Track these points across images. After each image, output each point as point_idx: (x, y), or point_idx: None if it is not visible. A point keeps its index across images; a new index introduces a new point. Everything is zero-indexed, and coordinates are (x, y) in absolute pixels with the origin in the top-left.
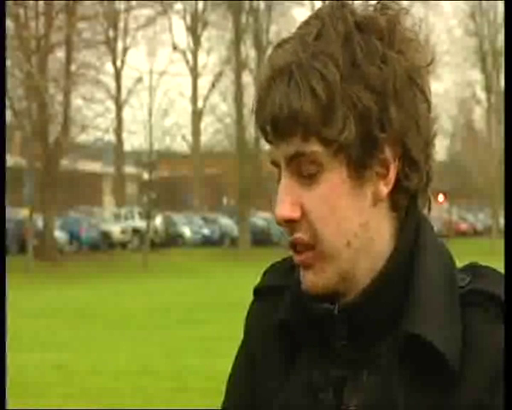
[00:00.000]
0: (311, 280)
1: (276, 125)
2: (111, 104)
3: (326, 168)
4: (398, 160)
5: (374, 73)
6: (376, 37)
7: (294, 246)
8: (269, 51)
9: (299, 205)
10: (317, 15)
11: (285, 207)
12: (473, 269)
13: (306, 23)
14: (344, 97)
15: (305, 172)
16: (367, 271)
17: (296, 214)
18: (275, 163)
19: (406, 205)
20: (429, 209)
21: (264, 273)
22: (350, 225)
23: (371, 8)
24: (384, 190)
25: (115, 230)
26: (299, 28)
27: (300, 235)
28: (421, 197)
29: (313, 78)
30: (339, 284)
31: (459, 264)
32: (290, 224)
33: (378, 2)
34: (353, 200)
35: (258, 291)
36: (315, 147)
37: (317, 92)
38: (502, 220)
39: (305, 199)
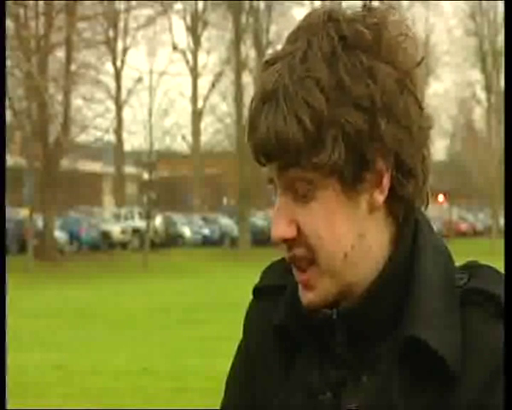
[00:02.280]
0: (309, 298)
1: (265, 150)
2: (111, 104)
3: (319, 187)
4: (392, 169)
5: (361, 91)
6: (362, 50)
7: (294, 262)
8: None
9: (295, 223)
10: (304, 29)
11: (281, 228)
12: (470, 268)
13: (294, 38)
14: (332, 122)
15: (301, 191)
16: (366, 277)
17: (292, 234)
18: (271, 181)
19: (403, 211)
20: (426, 206)
21: (263, 273)
22: (346, 237)
23: (357, 13)
24: (379, 198)
25: (115, 230)
26: (288, 42)
27: (298, 251)
28: (419, 199)
29: (299, 107)
30: (338, 297)
31: (459, 264)
32: (287, 242)
33: (364, 6)
34: (348, 212)
35: (257, 291)
36: (305, 172)
37: (303, 121)
38: (502, 220)
39: (300, 217)
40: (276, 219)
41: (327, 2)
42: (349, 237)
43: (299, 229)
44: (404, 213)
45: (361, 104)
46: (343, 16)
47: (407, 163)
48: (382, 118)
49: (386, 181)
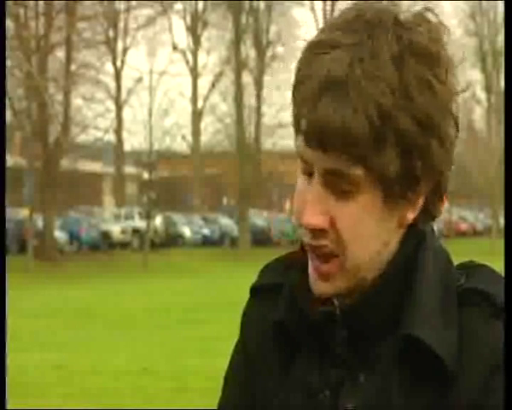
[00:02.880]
0: (324, 289)
1: (324, 135)
2: (111, 104)
3: (363, 190)
4: (428, 190)
5: (422, 104)
6: (426, 64)
7: (316, 251)
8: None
9: (329, 216)
10: (365, 21)
11: (315, 216)
12: (468, 268)
13: (354, 27)
14: (394, 127)
15: (341, 187)
16: (372, 275)
17: (326, 224)
18: (305, 161)
19: (431, 225)
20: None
21: (261, 272)
22: (375, 243)
23: (416, 22)
24: (410, 217)
25: (115, 230)
26: (343, 31)
27: (326, 243)
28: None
29: (369, 101)
30: (348, 289)
31: (457, 263)
32: (315, 231)
33: (420, 13)
34: (382, 221)
35: (254, 290)
36: (358, 171)
37: (372, 117)
38: (502, 220)
39: (336, 212)
40: (310, 205)
41: (328, 3)
42: (377, 244)
43: (331, 223)
44: (422, 226)
45: (419, 117)
46: (406, 21)
47: (443, 187)
48: (434, 138)
49: (420, 201)
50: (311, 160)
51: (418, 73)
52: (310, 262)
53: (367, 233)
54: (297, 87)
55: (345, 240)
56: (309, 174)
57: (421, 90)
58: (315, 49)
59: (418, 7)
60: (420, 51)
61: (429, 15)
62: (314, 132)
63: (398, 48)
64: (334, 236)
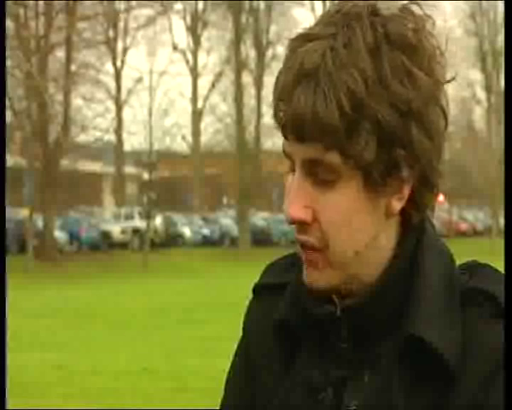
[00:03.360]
0: (315, 278)
1: (298, 127)
2: (111, 104)
3: (343, 178)
4: (415, 178)
5: (400, 92)
6: (404, 53)
7: (302, 246)
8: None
9: (312, 208)
10: (344, 13)
11: (298, 209)
12: (471, 268)
13: (333, 20)
14: (369, 114)
15: (321, 177)
16: (371, 274)
17: (308, 217)
18: (287, 155)
19: (420, 218)
20: (433, 210)
21: (264, 271)
22: (361, 236)
23: (398, 14)
24: (397, 205)
25: (115, 230)
26: (324, 24)
27: (309, 238)
28: (431, 207)
29: (341, 90)
30: (341, 285)
31: (459, 263)
32: (300, 225)
33: (403, 7)
34: (367, 211)
35: (257, 289)
36: (334, 158)
37: (343, 105)
38: (502, 220)
39: (318, 204)
40: (292, 199)
41: (328, 3)
42: (363, 237)
43: (314, 216)
44: (415, 220)
45: (398, 105)
46: (387, 14)
47: (429, 175)
48: (415, 126)
49: (406, 190)
50: (291, 153)
51: (395, 62)
52: (302, 258)
53: (350, 225)
54: (275, 82)
55: (327, 232)
56: (293, 171)
57: (399, 79)
58: (294, 43)
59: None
60: (398, 41)
61: (413, 8)
62: (289, 124)
63: (374, 38)
64: (318, 228)
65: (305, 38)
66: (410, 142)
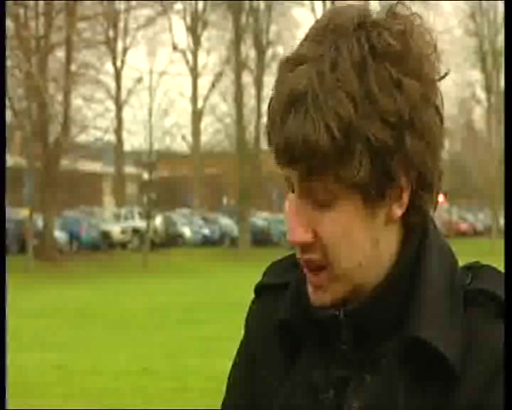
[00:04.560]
0: (320, 299)
1: (290, 153)
2: (111, 104)
3: (340, 198)
4: (413, 183)
5: (389, 105)
6: (391, 63)
7: (307, 265)
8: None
9: (312, 228)
10: (332, 30)
11: (298, 231)
12: (474, 269)
13: (321, 39)
14: (359, 135)
15: (320, 197)
16: (374, 279)
17: (309, 239)
18: (286, 178)
19: (420, 220)
20: (434, 210)
21: (265, 272)
22: (362, 247)
23: (384, 18)
24: (398, 212)
25: (115, 230)
26: (314, 42)
27: (313, 256)
28: (431, 208)
29: (328, 115)
30: (347, 295)
31: (462, 265)
32: (303, 246)
33: (389, 9)
34: (366, 223)
35: (259, 290)
36: (329, 183)
37: (332, 130)
38: (502, 220)
39: (318, 223)
40: (293, 223)
41: (328, 3)
42: (365, 247)
43: (315, 235)
44: (416, 222)
45: (388, 119)
46: (371, 22)
47: (427, 178)
48: (408, 133)
49: (406, 196)
50: (288, 175)
51: (382, 75)
52: (307, 277)
53: (352, 240)
54: (268, 107)
55: (330, 251)
56: (292, 190)
57: (387, 91)
58: (284, 65)
59: (416, 7)
60: (383, 52)
61: (400, 9)
62: (281, 151)
63: (360, 53)
64: (320, 248)
65: (294, 60)
66: (404, 151)
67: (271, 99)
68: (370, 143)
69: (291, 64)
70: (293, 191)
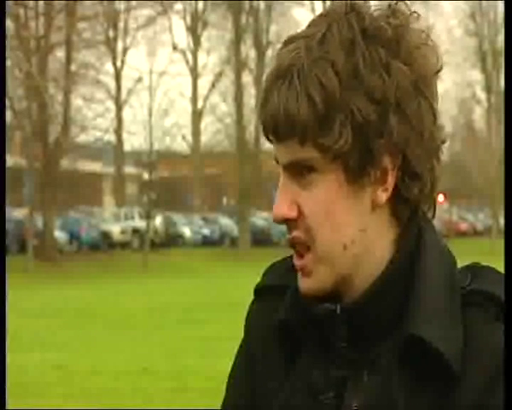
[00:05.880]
0: (307, 285)
1: (274, 126)
2: (111, 104)
3: (322, 172)
4: (398, 169)
5: (375, 82)
6: (381, 45)
7: (294, 245)
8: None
9: (296, 204)
10: (325, 15)
11: (282, 207)
12: (473, 269)
13: (315, 22)
14: (342, 106)
15: (303, 173)
16: (368, 275)
17: (292, 214)
18: (276, 160)
19: (408, 213)
20: (434, 214)
21: (265, 273)
22: (347, 229)
23: (381, 12)
24: (382, 196)
25: (115, 230)
26: (308, 27)
27: (297, 234)
28: (425, 204)
29: (311, 84)
30: (336, 287)
31: (459, 264)
32: (288, 223)
33: (389, 6)
34: (351, 205)
35: (258, 291)
36: (311, 153)
37: (314, 99)
38: (502, 220)
39: (301, 200)
40: (278, 198)
41: (328, 2)
42: (349, 230)
43: (299, 212)
44: (408, 216)
45: (373, 95)
46: (366, 12)
47: (414, 166)
48: (393, 114)
49: (390, 180)
50: (276, 155)
51: (371, 55)
52: (295, 263)
53: (334, 219)
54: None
55: (313, 227)
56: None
57: (375, 71)
58: (280, 47)
59: (415, 7)
60: (375, 35)
61: (400, 7)
62: (267, 125)
63: (350, 33)
64: (303, 224)
65: (287, 41)
66: (388, 130)
67: (264, 80)
68: (353, 114)
69: (284, 44)
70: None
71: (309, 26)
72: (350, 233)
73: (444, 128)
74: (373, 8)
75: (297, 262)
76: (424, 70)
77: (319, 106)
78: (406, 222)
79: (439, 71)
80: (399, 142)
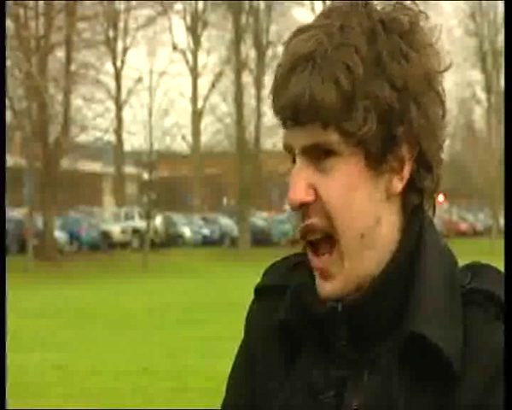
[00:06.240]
0: (328, 290)
1: (296, 112)
2: (111, 104)
3: (343, 157)
4: (414, 160)
5: (397, 70)
6: (401, 37)
7: (308, 233)
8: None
9: (314, 189)
10: (338, 8)
11: (299, 190)
12: (474, 268)
13: (327, 14)
14: (367, 91)
15: (322, 159)
16: (373, 268)
17: (310, 198)
18: (288, 148)
19: (416, 205)
20: (434, 212)
21: (265, 273)
22: (364, 215)
23: (392, 8)
24: (398, 185)
25: (115, 230)
26: (319, 18)
27: (315, 220)
28: (429, 199)
29: (338, 68)
30: (356, 285)
31: (461, 264)
32: (304, 208)
33: (398, 3)
34: (368, 191)
35: (258, 291)
36: (333, 137)
37: (340, 83)
38: (502, 220)
39: (320, 184)
40: (294, 182)
41: (327, 2)
42: (367, 218)
43: (317, 196)
44: (413, 208)
45: (396, 83)
46: (378, 8)
47: (428, 157)
48: (413, 104)
49: (406, 169)
50: (292, 142)
51: (392, 45)
52: (311, 263)
53: (353, 205)
54: (274, 77)
55: (332, 211)
56: (293, 161)
57: (396, 59)
58: (289, 39)
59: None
60: (393, 26)
61: (408, 4)
62: (287, 109)
63: (370, 23)
64: (321, 210)
65: (300, 31)
66: (408, 119)
67: (277, 68)
68: (377, 101)
69: (298, 32)
70: (294, 162)
71: (320, 18)
72: (367, 221)
73: (447, 126)
74: (382, 4)
75: (317, 265)
76: (434, 66)
77: (346, 89)
78: (411, 215)
79: (447, 69)
80: (417, 132)
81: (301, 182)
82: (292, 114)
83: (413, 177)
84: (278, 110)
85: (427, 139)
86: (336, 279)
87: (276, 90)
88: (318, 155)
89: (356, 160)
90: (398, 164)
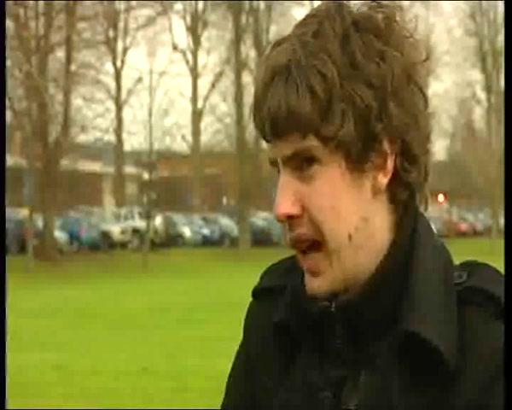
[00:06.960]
0: (316, 285)
1: (274, 124)
2: (111, 104)
3: (324, 163)
4: (397, 154)
5: (372, 69)
6: (374, 34)
7: (296, 243)
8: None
9: (299, 200)
10: (313, 15)
11: (285, 204)
12: (470, 267)
13: (303, 23)
14: (342, 95)
15: (304, 168)
16: (366, 267)
17: (296, 210)
18: (273, 163)
19: (405, 200)
20: (426, 207)
21: (263, 274)
22: (350, 217)
23: (366, 7)
24: (383, 181)
25: (115, 230)
26: (296, 27)
27: (302, 231)
28: (420, 193)
29: (311, 76)
30: (344, 283)
31: (458, 263)
32: (291, 220)
33: (373, 1)
34: (353, 192)
35: (256, 292)
36: (312, 142)
37: (315, 90)
38: (502, 220)
39: (304, 194)
40: (279, 196)
41: (323, 3)
42: (353, 218)
43: (303, 207)
44: (405, 203)
45: (372, 82)
46: (353, 6)
47: (412, 149)
48: (391, 100)
49: (390, 164)
50: (274, 154)
51: (366, 44)
52: (300, 262)
53: (339, 209)
54: (254, 92)
55: (319, 220)
56: (278, 171)
57: (370, 58)
58: (269, 50)
59: (416, 7)
60: (367, 25)
61: (384, 2)
62: (267, 123)
63: (343, 26)
64: (309, 219)
65: (277, 44)
66: (387, 116)
67: (256, 81)
68: (354, 102)
69: (275, 45)
70: (279, 172)
71: (297, 27)
72: (353, 221)
73: (433, 116)
74: (358, 4)
75: (306, 262)
76: (413, 58)
77: (321, 96)
78: (403, 211)
79: (426, 59)
80: (398, 127)
81: (287, 195)
82: (271, 127)
83: (398, 171)
84: (257, 124)
85: (409, 132)
86: (323, 277)
87: (256, 105)
88: (301, 163)
89: (337, 163)
90: (381, 160)
